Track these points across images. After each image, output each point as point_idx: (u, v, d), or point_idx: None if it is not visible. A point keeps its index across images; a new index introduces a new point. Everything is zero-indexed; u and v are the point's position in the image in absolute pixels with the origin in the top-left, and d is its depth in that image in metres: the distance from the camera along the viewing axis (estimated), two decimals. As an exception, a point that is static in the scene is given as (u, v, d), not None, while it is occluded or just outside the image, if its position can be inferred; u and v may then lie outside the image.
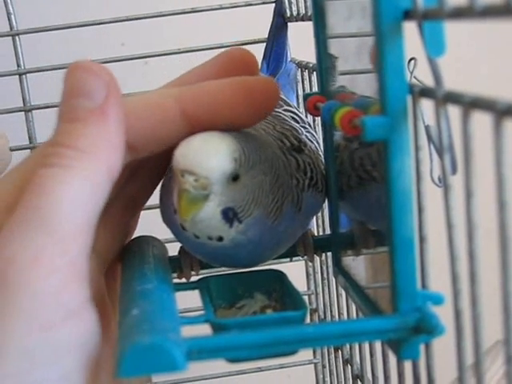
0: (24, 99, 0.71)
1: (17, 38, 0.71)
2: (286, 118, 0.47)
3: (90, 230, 0.33)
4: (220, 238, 0.37)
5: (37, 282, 0.30)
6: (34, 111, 0.72)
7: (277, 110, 0.49)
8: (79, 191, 0.32)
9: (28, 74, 0.71)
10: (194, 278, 0.41)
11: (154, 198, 0.43)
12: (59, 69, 0.69)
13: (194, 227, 0.37)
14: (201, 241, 0.37)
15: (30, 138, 0.72)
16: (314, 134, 0.48)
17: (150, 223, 0.48)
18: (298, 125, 0.47)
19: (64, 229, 0.31)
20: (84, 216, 0.32)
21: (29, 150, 0.72)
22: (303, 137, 0.44)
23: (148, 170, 0.41)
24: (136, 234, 0.42)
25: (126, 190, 0.39)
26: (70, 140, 0.33)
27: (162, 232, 0.43)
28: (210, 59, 0.40)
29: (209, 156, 0.35)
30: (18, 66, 0.71)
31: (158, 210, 0.42)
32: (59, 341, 0.31)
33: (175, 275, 0.42)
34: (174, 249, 0.43)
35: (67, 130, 0.33)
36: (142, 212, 0.44)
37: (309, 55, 0.53)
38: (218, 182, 0.35)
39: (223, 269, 0.44)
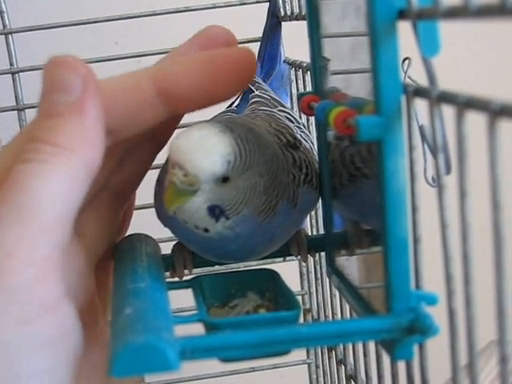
0: (17, 98, 0.71)
1: (10, 36, 0.70)
2: (281, 118, 0.47)
3: (68, 225, 0.32)
4: (206, 230, 0.37)
5: (11, 276, 0.30)
6: (26, 110, 0.71)
7: (272, 110, 0.49)
8: (56, 186, 0.32)
9: (21, 73, 0.71)
10: (187, 277, 0.41)
11: (147, 197, 0.42)
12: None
13: (182, 214, 0.37)
14: (189, 226, 0.37)
15: (22, 137, 0.71)
16: (308, 134, 0.48)
17: (143, 222, 0.48)
18: (292, 124, 0.47)
19: (40, 222, 0.31)
20: (61, 210, 0.32)
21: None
22: (298, 136, 0.44)
23: (134, 160, 0.40)
24: (129, 233, 0.42)
25: (112, 181, 0.39)
26: (47, 135, 0.33)
27: (155, 231, 0.43)
28: (189, 39, 0.39)
29: (202, 155, 0.35)
30: (11, 64, 0.71)
31: (151, 210, 0.42)
32: (35, 335, 0.30)
33: (168, 274, 0.42)
34: (167, 248, 0.43)
35: (45, 126, 0.33)
36: (136, 211, 0.43)
37: (302, 54, 0.53)
38: (206, 181, 0.35)
39: (216, 268, 0.44)
